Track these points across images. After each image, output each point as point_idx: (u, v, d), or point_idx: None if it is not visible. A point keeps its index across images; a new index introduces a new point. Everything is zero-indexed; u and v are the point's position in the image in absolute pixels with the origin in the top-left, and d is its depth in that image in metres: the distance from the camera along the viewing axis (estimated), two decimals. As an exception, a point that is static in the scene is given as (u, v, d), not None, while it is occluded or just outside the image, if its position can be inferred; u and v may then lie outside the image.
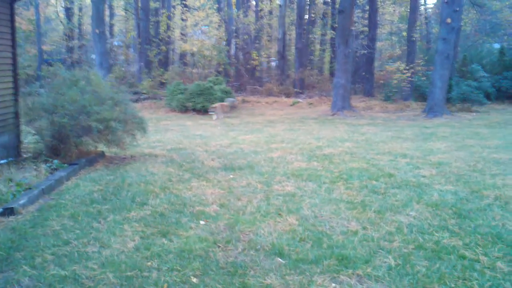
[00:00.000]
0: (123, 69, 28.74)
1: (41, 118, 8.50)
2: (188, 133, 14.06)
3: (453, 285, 4.00)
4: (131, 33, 33.26)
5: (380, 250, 4.75)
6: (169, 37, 28.69)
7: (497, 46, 29.47)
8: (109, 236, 5.09)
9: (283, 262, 4.47)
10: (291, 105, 23.67)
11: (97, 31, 23.17)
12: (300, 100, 24.74)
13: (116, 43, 35.92)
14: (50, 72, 9.91)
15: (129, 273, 4.18)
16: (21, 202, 6.03)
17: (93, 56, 28.18)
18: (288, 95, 26.32)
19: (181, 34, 31.60)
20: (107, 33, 30.88)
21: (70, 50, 33.72)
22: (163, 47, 27.38)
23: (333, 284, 4.02)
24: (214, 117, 13.04)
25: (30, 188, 6.64)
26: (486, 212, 5.94)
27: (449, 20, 18.37)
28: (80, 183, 7.33)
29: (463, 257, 4.56)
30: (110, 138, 8.96)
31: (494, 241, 4.96)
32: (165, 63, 28.81)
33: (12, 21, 8.75)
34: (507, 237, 5.05)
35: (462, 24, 26.04)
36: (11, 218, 5.63)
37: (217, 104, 15.81)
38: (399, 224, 5.52)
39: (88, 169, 8.38)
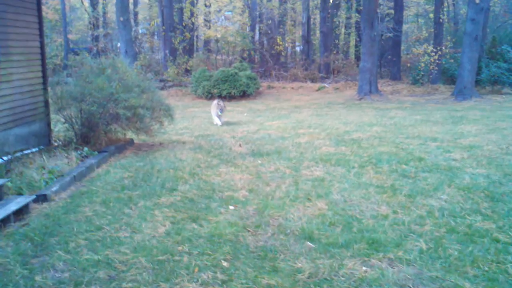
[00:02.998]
0: (148, 57, 28.82)
1: (70, 106, 8.62)
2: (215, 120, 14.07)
3: (486, 269, 3.95)
4: (155, 21, 33.30)
5: (411, 234, 4.70)
6: (192, 23, 28.65)
7: (528, 26, 28.70)
8: (140, 221, 5.16)
9: (313, 246, 4.46)
10: (317, 90, 23.50)
11: (121, 19, 23.27)
12: (326, 85, 24.54)
13: (140, 31, 36.07)
14: (76, 61, 9.99)
15: (160, 257, 4.23)
16: (54, 189, 6.14)
17: (118, 44, 28.35)
18: (313, 80, 26.11)
19: (205, 20, 31.59)
20: (132, 21, 30.99)
21: (95, 38, 33.94)
22: (187, 34, 27.36)
23: (364, 268, 4.00)
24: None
25: (62, 176, 6.76)
26: (519, 195, 5.83)
27: (477, 0, 17.94)
28: (111, 170, 7.43)
29: (496, 240, 4.49)
30: (138, 125, 9.04)
31: (529, 225, 4.87)
32: (189, 50, 28.81)
33: (39, 10, 8.85)
34: (542, 220, 4.95)
35: (491, 4, 25.39)
36: (45, 204, 5.75)
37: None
38: (430, 207, 5.45)
39: (118, 156, 8.49)
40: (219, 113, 12.71)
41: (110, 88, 8.54)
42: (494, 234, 4.63)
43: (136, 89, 8.96)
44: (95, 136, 8.77)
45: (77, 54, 26.25)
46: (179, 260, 4.19)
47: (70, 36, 33.46)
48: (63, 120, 8.91)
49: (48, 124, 9.12)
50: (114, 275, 3.94)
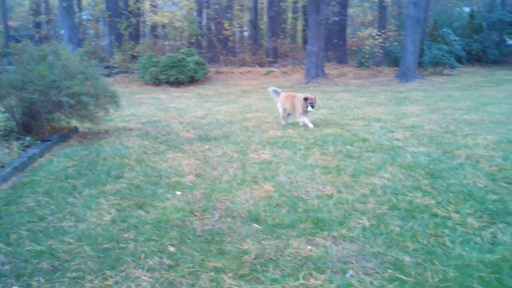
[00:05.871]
0: (93, 43, 28.10)
1: (10, 95, 8.32)
2: (163, 106, 13.93)
3: (425, 242, 4.10)
4: (99, 6, 32.47)
5: (355, 212, 4.82)
6: (138, 9, 28.04)
7: (467, 9, 29.68)
8: (85, 210, 5.07)
9: (260, 227, 4.51)
10: (265, 75, 23.57)
11: (64, 4, 22.56)
12: (274, 69, 24.65)
13: (84, 17, 35.09)
14: (17, 48, 9.61)
15: (106, 245, 4.17)
16: (-6, 180, 5.94)
17: (62, 31, 27.51)
18: (261, 65, 26.19)
19: (151, 5, 30.98)
20: (75, 6, 30.08)
21: (37, 25, 32.78)
22: (133, 20, 26.80)
23: (309, 247, 4.08)
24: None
25: (2, 166, 6.53)
26: (458, 171, 6.07)
27: (419, -16, 18.38)
28: (54, 159, 7.24)
29: (435, 215, 4.67)
30: (83, 113, 8.84)
31: (466, 199, 5.08)
32: (136, 36, 28.22)
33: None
34: (478, 194, 5.17)
35: (432, -12, 26.07)
36: (-16, 196, 5.55)
37: None
38: (373, 186, 5.60)
39: (62, 145, 8.28)
40: (310, 109, 9.60)
41: (52, 76, 8.29)
42: (433, 209, 4.81)
43: (79, 76, 8.74)
44: (38, 125, 8.52)
45: (18, 42, 25.26)
46: (125, 247, 4.15)
47: (10, 23, 32.09)
48: (3, 109, 8.60)
49: (-13, 114, 8.79)
50: (58, 265, 3.86)
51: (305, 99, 9.48)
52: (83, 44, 25.08)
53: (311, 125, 9.55)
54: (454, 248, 3.97)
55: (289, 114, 10.12)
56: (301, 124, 9.75)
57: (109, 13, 26.75)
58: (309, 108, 9.51)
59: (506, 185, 5.47)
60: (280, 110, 10.22)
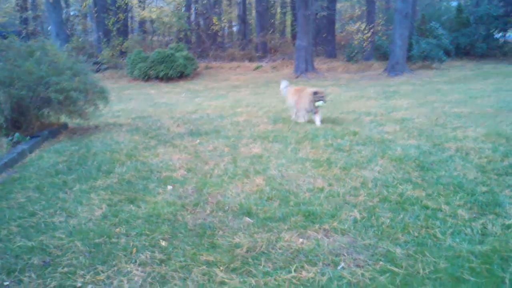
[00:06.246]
0: (81, 39, 27.89)
1: (-2, 91, 8.24)
2: (152, 101, 13.89)
3: (416, 234, 4.12)
4: (87, 2, 32.25)
5: (346, 205, 4.84)
6: (126, 4, 27.91)
7: (454, 3, 29.83)
8: (76, 205, 5.04)
9: (251, 221, 4.51)
10: (254, 70, 23.56)
11: (51, 0, 22.37)
12: (263, 64, 24.64)
13: (72, 13, 34.84)
14: (4, 44, 9.47)
15: (97, 240, 4.15)
16: (-18, 176, 5.89)
17: (50, 28, 27.29)
18: (251, 60, 26.18)
19: (139, 1, 30.84)
20: (62, 2, 29.85)
21: (24, 21, 32.49)
22: (121, 15, 26.65)
23: (300, 240, 4.08)
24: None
25: (-9, 163, 6.48)
26: (448, 163, 6.11)
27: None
28: (44, 155, 7.19)
29: (426, 207, 4.69)
30: (72, 108, 8.77)
31: (456, 190, 5.11)
32: (124, 32, 28.07)
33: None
34: (468, 186, 5.21)
35: (420, -18, 26.16)
36: (-27, 193, 5.50)
37: None
38: (364, 179, 5.62)
39: (52, 141, 8.22)
40: (319, 104, 8.95)
41: (40, 72, 8.22)
42: (423, 201, 4.83)
43: (67, 72, 8.66)
44: (27, 121, 8.45)
45: (5, 38, 25.01)
46: (116, 242, 4.13)
47: (-4, 19, 31.82)
48: (-9, 106, 8.52)
49: (-25, 111, 8.69)
50: (49, 260, 3.83)
51: (315, 93, 8.91)
52: (70, 40, 24.92)
53: (303, 120, 9.25)
54: (445, 240, 4.00)
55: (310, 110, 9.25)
56: (293, 117, 9.61)
57: (96, 8, 26.56)
58: (320, 103, 8.89)
59: (496, 177, 5.51)
60: (293, 105, 9.67)
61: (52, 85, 8.20)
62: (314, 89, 9.11)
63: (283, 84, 10.34)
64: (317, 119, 9.12)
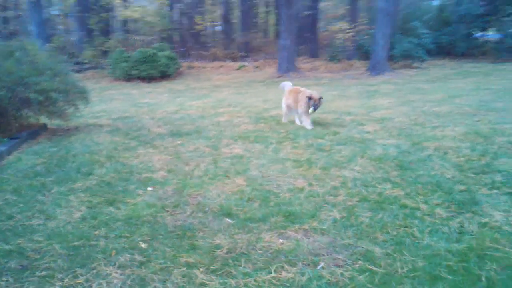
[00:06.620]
0: (62, 39, 27.61)
1: (-24, 92, 8.14)
2: (134, 101, 13.81)
3: (395, 233, 4.16)
4: (69, 1, 31.92)
5: (326, 205, 4.87)
6: (108, 3, 27.70)
7: (436, 3, 30.07)
8: (54, 208, 5.00)
9: (231, 222, 4.52)
10: (237, 69, 23.56)
11: (32, -1, 22.15)
12: (246, 64, 24.64)
13: (54, 12, 34.44)
14: (-17, 44, 9.40)
15: (76, 243, 4.12)
16: (-40, 179, 5.81)
17: (31, 27, 26.99)
18: (234, 59, 26.16)
19: (122, 0, 30.59)
20: (44, 1, 29.50)
21: (5, 21, 32.07)
22: (104, 15, 26.44)
23: (280, 240, 4.11)
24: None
25: (-32, 165, 6.40)
26: (426, 162, 6.17)
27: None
28: (22, 156, 7.12)
29: (404, 206, 4.74)
30: (52, 109, 8.68)
31: (434, 189, 5.17)
32: (106, 31, 27.83)
33: None
34: (446, 185, 5.27)
35: (402, -19, 26.37)
36: (-50, 196, 5.43)
37: None
38: (344, 178, 5.66)
39: (31, 143, 8.13)
40: (311, 111, 8.62)
41: (19, 72, 8.13)
42: (402, 201, 4.88)
43: (48, 72, 8.58)
44: (5, 122, 8.34)
45: (-15, 37, 24.79)
46: (95, 244, 4.11)
47: (-24, 19, 31.37)
48: (-32, 107, 8.41)
49: (-47, 112, 8.57)
50: (26, 264, 3.80)
51: (309, 98, 8.47)
52: (52, 40, 24.67)
53: (309, 127, 8.64)
54: (423, 238, 4.05)
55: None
56: (297, 123, 9.13)
57: (79, 8, 26.32)
58: (311, 110, 8.55)
59: (473, 176, 5.59)
60: (283, 106, 9.35)
61: (32, 86, 8.11)
62: (310, 93, 8.57)
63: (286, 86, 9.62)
64: (306, 122, 8.76)
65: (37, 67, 8.50)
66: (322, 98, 8.59)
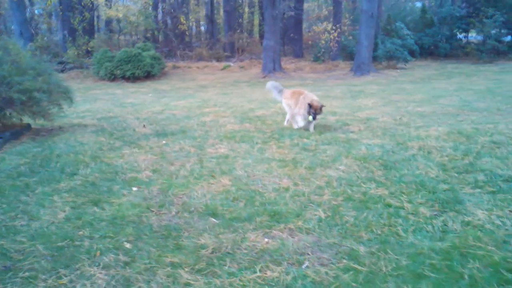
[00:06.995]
0: (45, 38, 27.37)
1: (-43, 91, 8.03)
2: (118, 101, 13.72)
3: (379, 232, 4.19)
4: (52, 0, 31.66)
5: (311, 204, 4.88)
6: (92, 2, 27.47)
7: (419, 4, 30.39)
8: (38, 208, 4.95)
9: (217, 222, 4.51)
10: (222, 69, 23.54)
11: (14, -2, 21.91)
12: (231, 64, 24.64)
13: (37, 11, 34.12)
14: (-35, 44, 9.27)
15: (60, 244, 4.09)
16: None
17: (13, 27, 26.70)
18: (219, 59, 26.14)
19: (105, -1, 30.43)
20: (26, 0, 29.23)
21: (-14, 20, 31.77)
22: (87, 14, 26.25)
23: (266, 239, 4.11)
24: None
25: (-51, 165, 6.31)
26: (410, 162, 6.22)
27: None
28: (5, 157, 7.03)
29: (388, 205, 4.77)
30: (35, 109, 8.59)
31: (418, 189, 5.21)
32: (90, 31, 27.64)
33: None
34: (430, 184, 5.32)
35: (386, -17, 26.57)
36: None
37: None
38: (329, 178, 5.68)
39: (14, 143, 8.04)
40: (310, 119, 8.21)
41: (1, 71, 8.04)
42: (386, 200, 4.92)
43: (30, 72, 8.49)
44: (-13, 122, 8.26)
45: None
46: (79, 245, 4.08)
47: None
48: (-50, 107, 8.29)
49: None
50: (10, 265, 3.76)
51: (309, 105, 8.11)
52: (35, 39, 24.44)
53: (296, 126, 8.53)
54: (407, 237, 4.08)
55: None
56: (286, 123, 9.02)
57: (61, 7, 26.09)
58: (310, 118, 8.18)
59: (456, 175, 5.64)
60: (285, 107, 8.99)
61: (14, 85, 8.02)
62: (311, 100, 8.17)
63: (272, 85, 9.40)
64: (311, 126, 8.47)
65: (20, 66, 8.41)
66: (324, 106, 8.28)
